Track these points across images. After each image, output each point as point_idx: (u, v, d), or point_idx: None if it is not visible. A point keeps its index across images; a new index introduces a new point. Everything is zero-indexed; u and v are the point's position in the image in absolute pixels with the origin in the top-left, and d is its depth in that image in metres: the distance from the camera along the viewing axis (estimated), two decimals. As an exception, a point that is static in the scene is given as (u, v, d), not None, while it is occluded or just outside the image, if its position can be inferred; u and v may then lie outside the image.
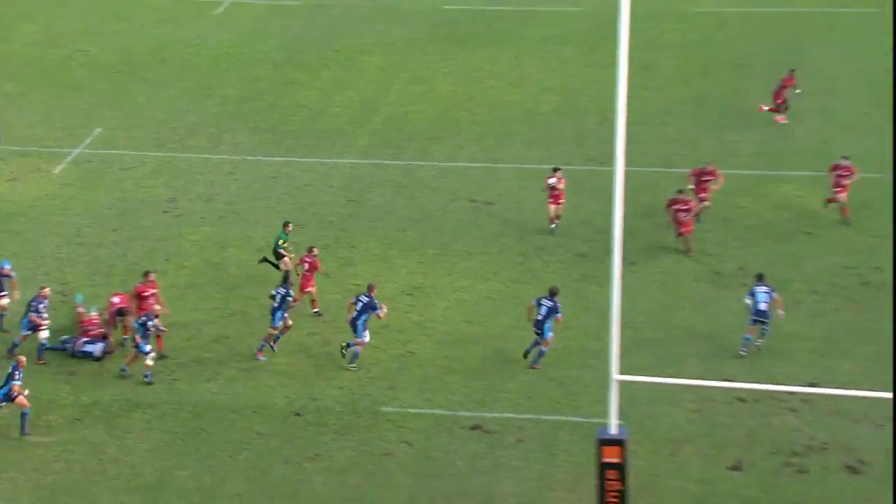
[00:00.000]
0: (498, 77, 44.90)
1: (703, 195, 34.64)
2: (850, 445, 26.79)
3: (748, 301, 29.53)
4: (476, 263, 33.67)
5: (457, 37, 47.93)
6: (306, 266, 31.57)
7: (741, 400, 28.24)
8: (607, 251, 25.00)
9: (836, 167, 35.09)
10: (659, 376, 28.22)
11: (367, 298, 29.45)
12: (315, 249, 31.79)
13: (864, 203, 35.64)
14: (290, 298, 29.84)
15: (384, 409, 28.30)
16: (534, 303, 29.49)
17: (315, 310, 31.58)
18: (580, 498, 25.58)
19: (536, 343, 29.66)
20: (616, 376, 24.20)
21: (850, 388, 27.60)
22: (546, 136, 40.70)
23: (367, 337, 29.52)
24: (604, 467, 24.09)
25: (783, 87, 40.26)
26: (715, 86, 43.39)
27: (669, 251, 33.78)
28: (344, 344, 29.79)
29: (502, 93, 43.81)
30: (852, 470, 26.14)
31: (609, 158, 23.44)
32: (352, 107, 43.50)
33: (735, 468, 26.38)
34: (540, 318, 29.35)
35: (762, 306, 29.36)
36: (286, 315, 29.90)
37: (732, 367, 29.37)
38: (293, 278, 31.07)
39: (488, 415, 28.09)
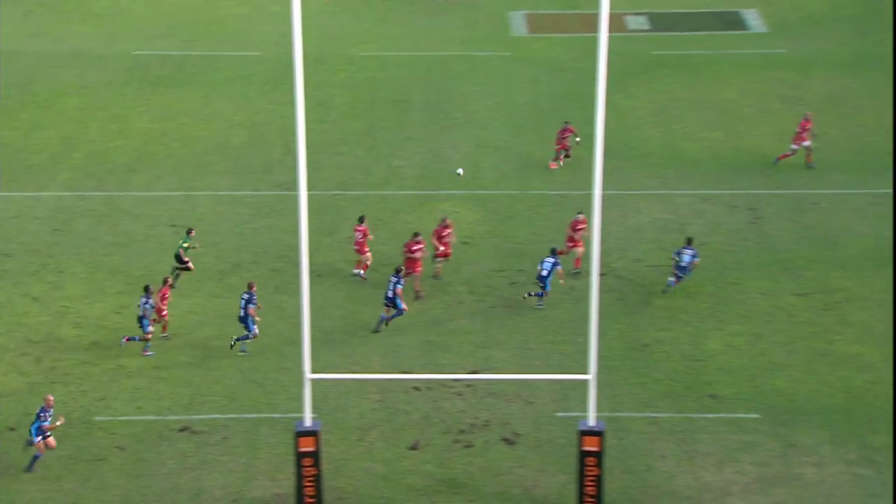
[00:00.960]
0: (190, 114, 44.27)
1: (445, 249, 33.52)
2: (506, 421, 27.90)
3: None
4: (179, 282, 33.11)
5: (149, 79, 46.94)
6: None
7: (416, 388, 28.95)
8: (296, 265, 25.23)
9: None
10: (346, 373, 28.64)
11: (247, 295, 29.60)
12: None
13: (507, 216, 37.12)
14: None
15: (97, 418, 27.49)
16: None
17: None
18: (280, 485, 25.64)
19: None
20: (309, 375, 24.43)
21: (505, 373, 28.82)
22: (237, 166, 40.45)
23: (255, 330, 29.72)
24: (300, 456, 24.28)
25: (563, 136, 39.64)
26: (381, 119, 44.20)
27: (350, 264, 34.21)
28: (233, 339, 29.84)
29: (195, 128, 43.23)
30: (508, 441, 27.24)
31: (294, 184, 23.60)
32: (52, 144, 41.93)
33: (413, 447, 27.04)
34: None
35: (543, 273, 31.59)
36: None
37: (409, 360, 30.04)
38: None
39: (195, 417, 27.74)
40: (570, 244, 33.34)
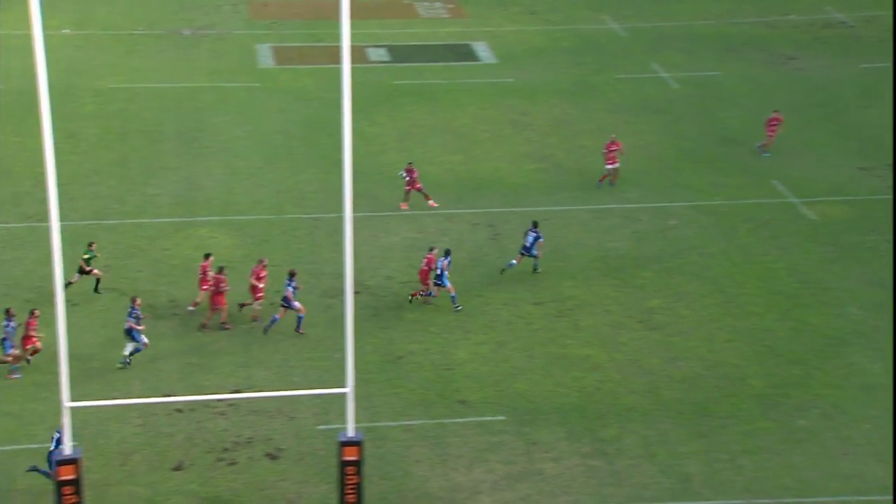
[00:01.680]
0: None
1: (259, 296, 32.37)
2: (269, 437, 27.41)
3: None
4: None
5: None
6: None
7: (179, 411, 28.05)
8: (50, 296, 24.04)
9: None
10: (106, 399, 27.45)
11: (131, 309, 29.30)
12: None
13: (263, 240, 36.60)
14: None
15: None
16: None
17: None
18: (43, 514, 24.29)
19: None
20: (67, 403, 23.26)
21: (266, 391, 28.32)
22: (-15, 199, 38.29)
23: (144, 339, 29.47)
24: (60, 485, 23.12)
25: (413, 177, 38.30)
26: (133, 149, 42.84)
27: (109, 291, 32.89)
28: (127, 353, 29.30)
29: (-59, 162, 40.70)
30: (271, 456, 26.77)
31: (45, 215, 22.44)
32: None
33: (177, 468, 26.17)
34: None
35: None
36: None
37: (171, 384, 29.11)
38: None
39: (-49, 452, 25.95)
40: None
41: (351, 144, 23.28)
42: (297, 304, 31.15)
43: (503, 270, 34.21)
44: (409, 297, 32.89)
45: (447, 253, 32.97)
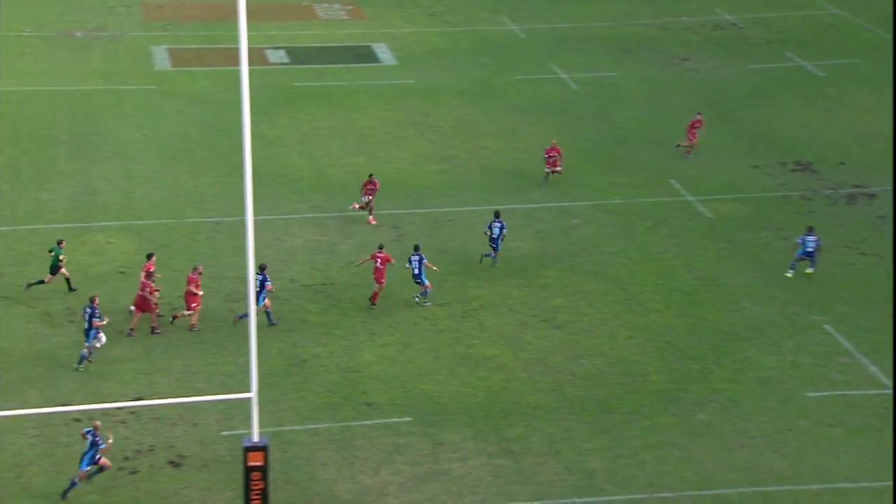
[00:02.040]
0: None
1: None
2: (171, 444, 27.02)
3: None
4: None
5: None
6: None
7: (77, 420, 27.48)
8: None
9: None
10: (0, 410, 26.76)
11: (90, 309, 29.08)
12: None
13: (163, 244, 36.05)
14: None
15: None
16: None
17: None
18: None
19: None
20: (-38, 416, 22.63)
21: (168, 398, 27.92)
22: None
23: (103, 338, 29.29)
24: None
25: (367, 190, 37.63)
26: (25, 153, 41.86)
27: (0, 299, 32.10)
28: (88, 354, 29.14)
29: None
30: (174, 464, 26.39)
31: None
32: None
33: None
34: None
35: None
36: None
37: (69, 392, 28.50)
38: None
39: None
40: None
41: (251, 147, 23.07)
42: (265, 299, 31.32)
43: (483, 258, 35.24)
44: (376, 301, 32.60)
45: (416, 248, 33.14)
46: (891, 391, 29.47)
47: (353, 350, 31.03)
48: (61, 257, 32.57)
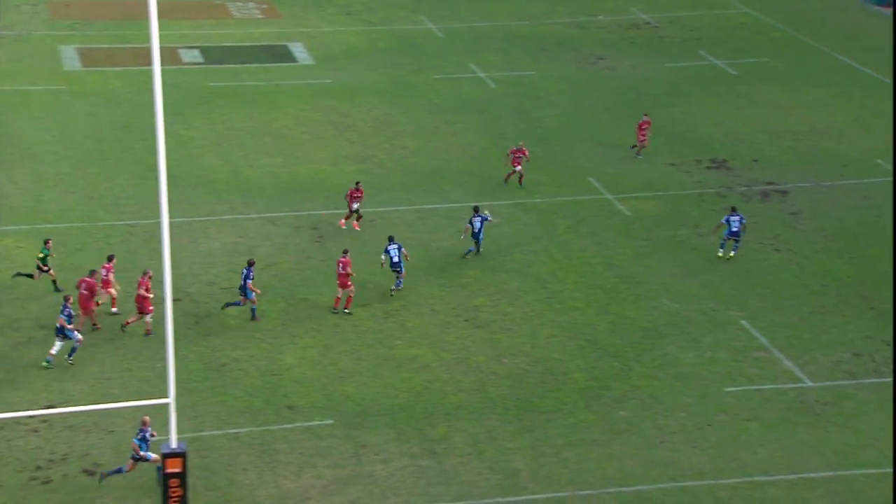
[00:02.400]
0: None
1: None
2: (85, 452, 26.46)
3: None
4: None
5: None
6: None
7: (-13, 430, 26.78)
8: None
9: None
10: None
11: (63, 307, 28.94)
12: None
13: (76, 248, 35.32)
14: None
15: None
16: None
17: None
18: None
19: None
20: None
21: (82, 405, 27.33)
22: None
23: (78, 335, 29.19)
24: None
25: (353, 197, 36.97)
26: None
27: None
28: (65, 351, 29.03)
29: None
30: (89, 472, 25.85)
31: None
32: None
33: (-12, 491, 24.98)
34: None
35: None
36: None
37: (-24, 402, 27.77)
38: None
39: None
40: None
41: (165, 148, 22.67)
42: (254, 294, 31.55)
43: (466, 255, 35.64)
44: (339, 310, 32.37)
45: (391, 239, 33.26)
46: (805, 385, 29.99)
47: (273, 353, 30.69)
48: (41, 255, 32.39)
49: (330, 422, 27.98)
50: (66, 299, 29.24)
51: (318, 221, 37.94)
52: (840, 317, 33.16)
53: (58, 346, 29.03)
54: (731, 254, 35.94)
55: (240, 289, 31.70)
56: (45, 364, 29.13)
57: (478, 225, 35.45)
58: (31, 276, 32.61)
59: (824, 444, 27.54)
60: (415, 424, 28.02)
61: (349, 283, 32.34)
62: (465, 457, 26.95)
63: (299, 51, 53.92)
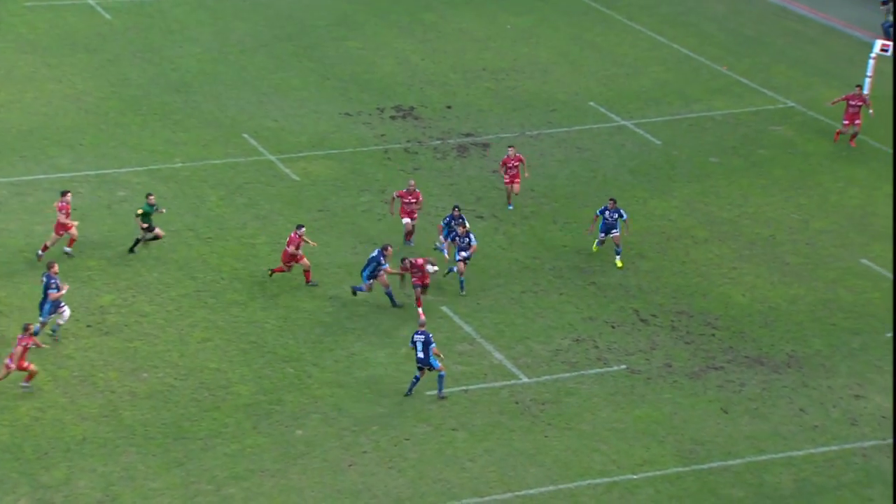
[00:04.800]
0: None
1: None
2: None
3: None
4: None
5: None
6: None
7: None
8: None
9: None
10: None
11: (46, 278, 30.42)
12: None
13: None
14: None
15: None
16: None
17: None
18: None
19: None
20: None
21: None
22: None
23: (66, 312, 30.72)
24: None
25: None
26: None
27: None
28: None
29: None
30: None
31: None
32: None
33: None
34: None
35: None
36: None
37: None
38: None
39: None
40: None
41: None
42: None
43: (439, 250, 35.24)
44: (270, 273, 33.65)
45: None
46: (520, 381, 30.92)
47: None
48: (140, 212, 34.39)
49: None
50: (49, 266, 31.04)
51: None
52: (557, 295, 34.40)
53: (66, 314, 30.95)
54: (619, 262, 35.78)
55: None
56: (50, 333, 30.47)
57: (446, 219, 35.09)
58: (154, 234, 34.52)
59: (543, 453, 28.53)
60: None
61: (292, 261, 33.77)
62: (95, 506, 26.22)
63: None
